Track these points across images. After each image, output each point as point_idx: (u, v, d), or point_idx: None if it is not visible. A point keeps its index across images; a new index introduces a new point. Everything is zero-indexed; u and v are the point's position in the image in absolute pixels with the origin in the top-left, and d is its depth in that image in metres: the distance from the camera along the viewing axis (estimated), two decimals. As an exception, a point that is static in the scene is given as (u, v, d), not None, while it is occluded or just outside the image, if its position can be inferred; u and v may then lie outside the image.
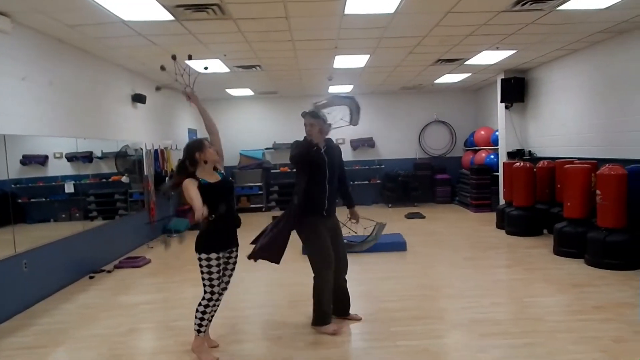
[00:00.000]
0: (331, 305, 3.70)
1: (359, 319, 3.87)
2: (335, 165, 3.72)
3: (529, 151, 8.57)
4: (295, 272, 5.08)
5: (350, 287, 3.91)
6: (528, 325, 3.68)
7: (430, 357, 3.21)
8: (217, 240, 3.19)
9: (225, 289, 3.40)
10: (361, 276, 5.08)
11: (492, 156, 9.68)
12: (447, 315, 3.96)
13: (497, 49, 6.77)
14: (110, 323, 4.11)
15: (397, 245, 6.27)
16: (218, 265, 3.19)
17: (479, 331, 3.59)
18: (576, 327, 3.61)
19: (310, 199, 3.60)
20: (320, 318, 3.66)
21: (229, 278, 3.39)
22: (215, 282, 3.22)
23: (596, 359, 3.07)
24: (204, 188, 3.09)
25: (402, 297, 4.42)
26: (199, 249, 3.18)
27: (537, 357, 3.14)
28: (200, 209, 2.90)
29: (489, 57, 7.34)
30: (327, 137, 3.75)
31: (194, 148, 3.21)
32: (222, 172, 3.34)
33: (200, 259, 3.18)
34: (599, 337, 3.38)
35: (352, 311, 3.93)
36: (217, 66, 7.28)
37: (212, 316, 3.37)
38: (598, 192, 5.33)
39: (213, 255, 3.16)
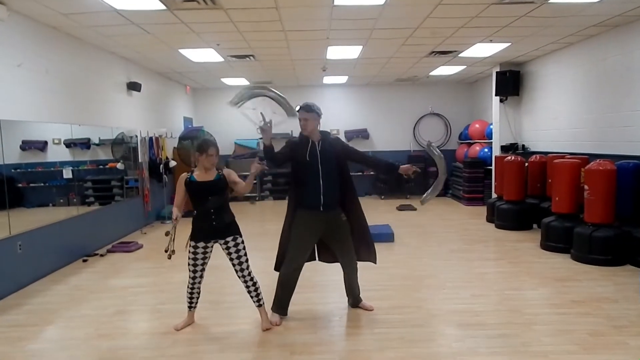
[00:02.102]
0: (289, 299, 3.72)
1: (371, 309, 3.84)
2: (331, 160, 3.60)
3: (523, 145, 8.58)
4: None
5: (335, 275, 3.96)
6: (506, 317, 3.72)
7: (404, 344, 3.25)
8: (195, 231, 3.45)
9: (241, 277, 3.48)
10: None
11: (485, 149, 9.69)
12: (426, 305, 4.00)
13: (491, 41, 6.75)
14: (99, 304, 4.22)
15: (385, 236, 6.29)
16: (194, 253, 3.45)
17: (457, 321, 3.64)
18: (553, 320, 3.65)
19: (306, 194, 3.58)
20: (275, 304, 3.71)
21: (239, 266, 3.47)
22: (191, 267, 3.49)
23: (570, 352, 3.10)
24: (191, 185, 3.37)
25: (384, 287, 4.47)
26: None
27: (511, 347, 3.17)
28: (175, 212, 3.31)
29: (483, 50, 7.32)
30: (322, 130, 3.69)
31: (198, 147, 3.42)
32: (221, 173, 3.44)
33: None
34: (575, 331, 3.41)
35: (339, 297, 3.98)
36: (211, 56, 7.28)
37: (193, 296, 3.59)
38: (586, 187, 5.34)
39: (192, 243, 3.45)
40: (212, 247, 3.48)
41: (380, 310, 3.86)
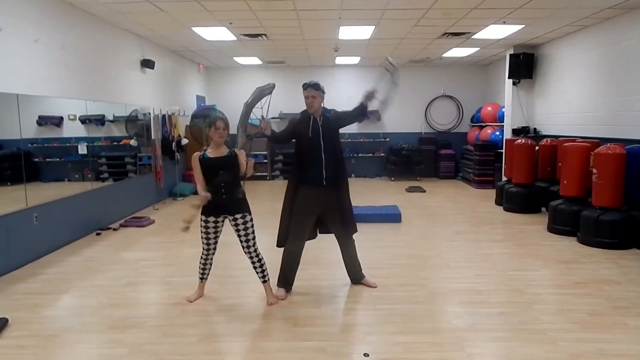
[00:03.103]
0: (294, 274, 3.85)
1: (374, 286, 3.95)
2: (332, 135, 3.70)
3: (535, 129, 8.50)
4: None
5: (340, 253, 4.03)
6: (507, 296, 3.78)
7: (405, 320, 3.34)
8: (205, 206, 3.52)
9: (247, 253, 3.59)
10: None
11: (497, 133, 9.62)
12: (429, 283, 4.08)
13: (505, 23, 6.65)
14: (111, 275, 4.39)
15: (392, 216, 6.37)
16: (206, 227, 3.57)
17: (458, 299, 3.71)
18: (554, 300, 3.71)
19: (308, 170, 3.67)
20: (280, 279, 3.84)
21: (245, 243, 3.57)
22: (204, 241, 3.62)
23: (567, 330, 3.16)
24: (204, 161, 3.50)
25: (389, 266, 4.55)
26: None
27: (509, 325, 3.24)
28: (200, 191, 3.45)
29: (496, 32, 7.22)
30: (324, 107, 3.74)
31: (208, 123, 3.60)
32: (234, 150, 3.57)
33: None
34: (575, 310, 3.47)
35: (344, 274, 4.05)
36: (223, 34, 7.30)
37: (205, 268, 3.73)
38: (594, 171, 5.32)
39: (202, 218, 3.57)
40: (222, 222, 3.59)
41: (383, 287, 3.94)
